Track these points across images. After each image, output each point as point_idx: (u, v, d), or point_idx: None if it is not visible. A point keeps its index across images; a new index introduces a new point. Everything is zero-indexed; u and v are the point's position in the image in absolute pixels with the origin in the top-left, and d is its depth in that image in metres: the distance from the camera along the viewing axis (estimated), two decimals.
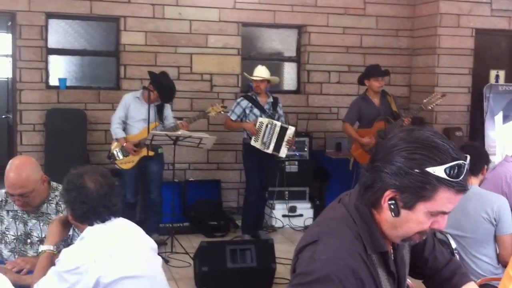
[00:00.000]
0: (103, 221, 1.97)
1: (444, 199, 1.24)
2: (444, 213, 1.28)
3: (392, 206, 1.26)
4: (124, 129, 4.82)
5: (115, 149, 4.83)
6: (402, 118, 4.99)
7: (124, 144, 4.77)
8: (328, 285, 1.22)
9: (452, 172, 1.22)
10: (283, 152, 4.94)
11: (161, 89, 4.73)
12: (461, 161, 1.23)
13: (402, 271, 1.43)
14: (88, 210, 1.96)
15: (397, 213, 1.27)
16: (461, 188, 1.25)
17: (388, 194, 1.27)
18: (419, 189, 1.23)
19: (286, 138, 4.89)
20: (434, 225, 1.29)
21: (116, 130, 4.78)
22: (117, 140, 4.81)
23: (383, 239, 1.33)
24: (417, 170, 1.22)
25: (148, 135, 4.61)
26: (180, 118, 5.36)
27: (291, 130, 4.92)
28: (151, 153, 4.76)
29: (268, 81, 5.03)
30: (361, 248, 1.30)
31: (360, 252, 1.29)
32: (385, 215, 1.30)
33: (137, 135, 4.82)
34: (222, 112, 4.99)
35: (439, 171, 1.22)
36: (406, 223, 1.28)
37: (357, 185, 1.38)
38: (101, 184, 1.98)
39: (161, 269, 2.09)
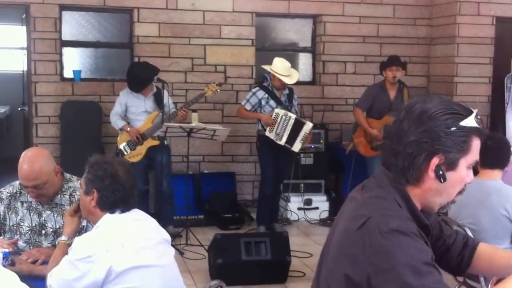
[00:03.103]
0: (128, 210, 2.00)
1: (476, 147, 1.34)
2: (477, 162, 1.36)
3: (441, 172, 1.32)
4: (129, 124, 4.89)
5: (122, 144, 4.88)
6: None
7: (128, 129, 4.81)
8: (411, 241, 1.25)
9: (478, 120, 1.33)
10: (297, 147, 4.87)
11: (129, 78, 4.88)
12: (475, 110, 1.34)
13: None
14: (119, 199, 1.99)
15: (445, 178, 1.32)
16: (484, 133, 1.36)
17: (435, 161, 1.31)
18: (461, 145, 1.31)
19: (302, 134, 4.82)
20: (468, 179, 1.37)
21: (117, 121, 4.87)
22: (121, 130, 4.87)
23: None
24: (454, 128, 1.30)
25: (162, 127, 4.60)
26: (194, 110, 5.34)
27: (308, 126, 4.85)
28: (156, 142, 4.82)
29: None
30: (411, 220, 1.33)
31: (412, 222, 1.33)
32: (428, 185, 1.35)
33: (140, 127, 4.86)
34: (218, 91, 4.98)
35: (470, 122, 1.31)
36: (451, 185, 1.35)
37: (379, 172, 1.39)
38: (131, 174, 2.04)
39: (174, 259, 2.08)
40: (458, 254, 1.56)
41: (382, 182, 1.38)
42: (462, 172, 1.34)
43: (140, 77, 4.85)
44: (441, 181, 1.32)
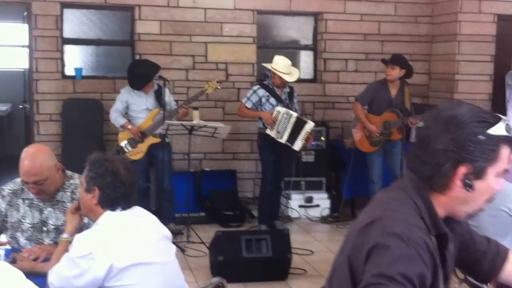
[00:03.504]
0: (128, 207, 2.01)
1: (505, 156, 1.32)
2: (506, 170, 1.34)
3: (467, 181, 1.30)
4: (129, 122, 4.90)
5: (123, 142, 4.89)
6: (410, 119, 4.87)
7: (129, 126, 4.82)
8: (406, 250, 1.23)
9: (508, 128, 1.30)
10: (298, 146, 4.87)
11: (130, 75, 4.87)
12: (504, 116, 1.33)
13: (450, 261, 1.43)
14: (120, 196, 1.99)
15: (472, 187, 1.30)
16: None
17: (462, 170, 1.30)
18: (489, 153, 1.29)
19: (303, 133, 4.82)
20: (496, 187, 1.35)
21: (117, 119, 4.88)
22: (121, 127, 4.87)
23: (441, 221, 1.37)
24: (481, 136, 1.28)
25: (164, 124, 4.61)
26: (195, 108, 5.35)
27: (309, 125, 4.84)
28: (157, 140, 4.83)
29: None
30: (425, 227, 1.33)
31: (425, 230, 1.32)
32: (455, 194, 1.33)
33: (141, 125, 4.87)
34: (218, 88, 4.98)
35: (499, 130, 1.29)
36: (479, 194, 1.32)
37: (405, 175, 1.40)
38: (131, 172, 2.05)
39: (175, 256, 2.08)
40: (488, 262, 1.54)
41: (406, 185, 1.38)
42: (490, 180, 1.32)
43: (141, 74, 4.86)
44: (468, 190, 1.31)
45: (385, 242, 1.24)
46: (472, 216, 1.38)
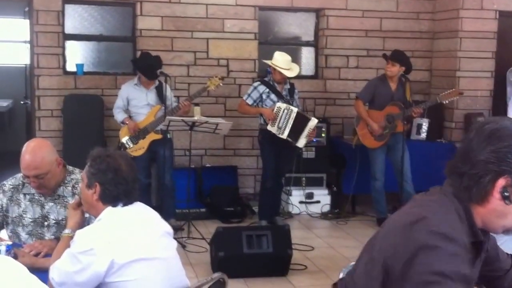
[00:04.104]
0: (130, 203, 2.01)
1: None
2: None
3: (506, 194, 1.30)
4: (131, 118, 4.92)
5: (124, 138, 4.90)
6: (413, 108, 4.95)
7: (127, 122, 4.84)
8: (454, 249, 1.25)
9: None
10: (301, 143, 4.87)
11: (142, 70, 4.86)
12: None
13: (477, 270, 1.44)
14: (121, 192, 1.99)
15: (510, 200, 1.30)
16: None
17: (501, 182, 1.30)
18: None
19: (307, 130, 4.82)
20: None
21: (118, 115, 4.92)
22: (122, 123, 4.89)
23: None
24: None
25: (165, 120, 4.61)
26: (197, 104, 5.35)
27: (313, 122, 4.84)
28: (158, 136, 4.84)
29: None
30: (466, 231, 1.34)
31: (465, 234, 1.33)
32: (493, 206, 1.33)
33: (142, 121, 4.87)
34: (221, 85, 4.99)
35: None
36: None
37: (445, 183, 1.40)
38: (133, 168, 2.04)
39: (176, 252, 2.08)
40: (510, 282, 1.55)
41: (446, 191, 1.38)
42: None
43: (152, 64, 4.86)
44: (506, 203, 1.30)
45: (433, 242, 1.25)
46: (509, 230, 1.37)
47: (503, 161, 1.28)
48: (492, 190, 1.31)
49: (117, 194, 1.99)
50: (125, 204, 2.00)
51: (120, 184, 1.99)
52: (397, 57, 5.05)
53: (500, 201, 1.31)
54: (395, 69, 5.01)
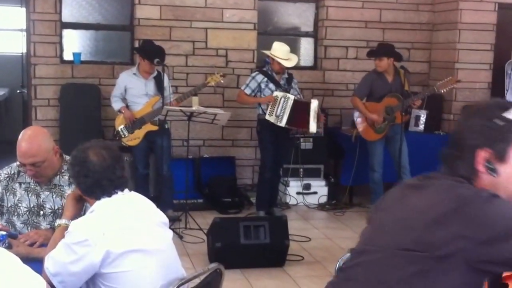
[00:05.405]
0: (109, 194, 1.96)
1: None
2: None
3: (489, 165, 1.31)
4: (128, 107, 4.89)
5: (120, 126, 4.89)
6: (413, 98, 4.97)
7: (124, 111, 4.82)
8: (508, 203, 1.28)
9: None
10: (313, 127, 4.84)
11: (149, 54, 4.74)
12: None
13: None
14: (92, 184, 1.96)
15: (496, 171, 1.31)
16: None
17: (482, 155, 1.31)
18: (506, 134, 1.29)
19: (312, 113, 4.80)
20: None
21: (115, 104, 4.89)
22: (119, 111, 4.87)
23: None
24: (497, 120, 1.30)
25: (162, 110, 4.59)
26: (195, 94, 5.31)
27: (314, 104, 4.83)
28: (155, 127, 4.82)
29: None
30: None
31: None
32: (484, 181, 1.33)
33: (139, 111, 4.85)
34: (222, 82, 4.97)
35: None
36: (507, 179, 1.32)
37: (442, 169, 1.40)
38: (104, 157, 1.97)
39: (172, 242, 2.08)
40: None
41: (448, 176, 1.37)
42: None
43: (158, 48, 4.82)
44: (492, 175, 1.31)
45: (494, 207, 1.25)
46: None
47: (480, 133, 1.30)
48: (476, 164, 1.32)
49: (86, 187, 1.97)
50: (109, 195, 1.95)
51: (86, 177, 1.95)
52: (381, 51, 5.06)
53: (488, 175, 1.32)
54: (384, 63, 5.01)
